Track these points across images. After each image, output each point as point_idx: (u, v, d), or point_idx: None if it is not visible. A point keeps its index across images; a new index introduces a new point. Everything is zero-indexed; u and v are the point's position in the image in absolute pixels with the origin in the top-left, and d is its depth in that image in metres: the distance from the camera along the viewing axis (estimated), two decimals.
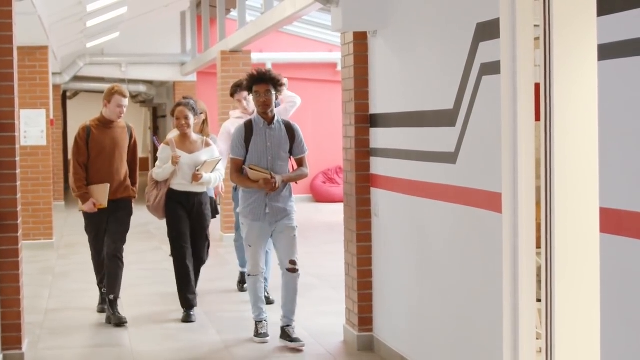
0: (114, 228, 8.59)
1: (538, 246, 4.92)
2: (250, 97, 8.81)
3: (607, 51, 3.74)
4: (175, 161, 8.42)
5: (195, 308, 8.65)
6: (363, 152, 7.24)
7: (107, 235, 8.61)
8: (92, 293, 10.20)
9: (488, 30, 5.12)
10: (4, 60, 7.04)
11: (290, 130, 7.62)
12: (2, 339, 7.00)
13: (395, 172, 6.71)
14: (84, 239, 14.97)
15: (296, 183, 7.74)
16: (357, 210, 7.30)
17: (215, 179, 8.69)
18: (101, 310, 8.92)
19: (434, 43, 6.00)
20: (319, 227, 14.70)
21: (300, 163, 7.69)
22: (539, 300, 5.01)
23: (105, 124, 8.60)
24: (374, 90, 7.19)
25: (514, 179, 4.87)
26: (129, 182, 8.67)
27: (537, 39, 4.84)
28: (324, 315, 8.68)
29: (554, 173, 4.69)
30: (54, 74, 18.48)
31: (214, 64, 17.01)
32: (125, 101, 8.56)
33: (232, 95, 9.51)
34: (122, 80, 22.75)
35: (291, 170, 7.68)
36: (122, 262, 8.62)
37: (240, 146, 7.51)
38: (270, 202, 7.48)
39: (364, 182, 7.25)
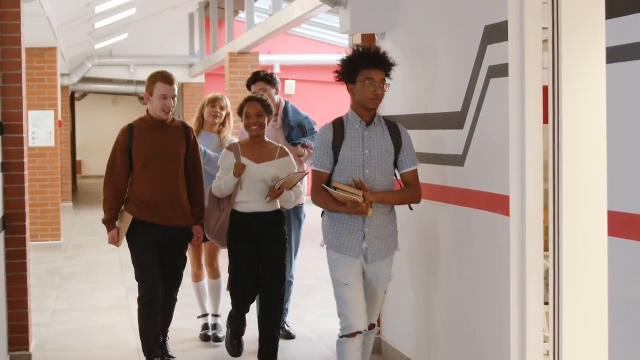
0: (171, 266, 6.58)
1: (546, 249, 4.91)
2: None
3: (615, 54, 3.73)
4: (238, 171, 6.48)
5: None
6: None
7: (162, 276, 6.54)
8: (100, 294, 10.23)
9: (496, 33, 5.11)
10: (13, 62, 7.05)
11: (396, 133, 5.60)
12: (10, 340, 7.01)
13: None
14: (91, 241, 15.16)
15: (410, 208, 5.76)
16: None
17: (297, 197, 6.70)
18: None
19: (442, 45, 5.99)
20: None
21: (410, 181, 5.63)
22: (546, 304, 5.00)
23: (152, 124, 6.54)
24: None
25: (522, 181, 4.86)
26: (187, 204, 6.58)
27: (545, 41, 4.83)
28: (331, 317, 8.64)
29: (562, 176, 4.67)
30: (62, 75, 18.53)
31: (222, 65, 17.06)
32: (173, 89, 6.49)
33: (249, 87, 7.74)
34: (130, 82, 22.83)
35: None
36: (176, 299, 6.78)
37: (327, 154, 5.50)
38: (370, 234, 5.49)
39: None
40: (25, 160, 7.14)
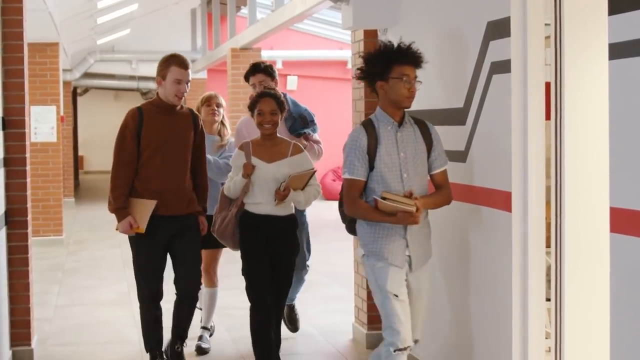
0: (186, 258, 6.26)
1: (548, 245, 4.91)
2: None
3: (618, 50, 3.73)
4: (247, 172, 6.09)
5: None
6: None
7: (176, 269, 6.29)
8: (102, 290, 10.24)
9: (498, 29, 5.11)
10: (15, 57, 7.05)
11: (426, 131, 5.27)
12: (12, 335, 7.02)
13: None
14: (93, 236, 15.17)
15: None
16: None
17: (308, 199, 6.16)
18: None
19: (445, 41, 5.99)
20: (328, 225, 14.72)
21: (441, 181, 5.32)
22: (548, 300, 5.00)
23: (162, 109, 6.22)
24: None
25: (524, 177, 4.86)
26: (193, 193, 6.30)
27: (547, 37, 4.82)
28: (333, 313, 8.67)
29: (564, 172, 4.67)
30: (64, 70, 18.55)
31: (224, 61, 17.04)
32: (187, 74, 6.19)
33: (247, 78, 7.45)
34: (132, 77, 22.82)
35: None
36: (197, 298, 6.50)
37: (362, 161, 5.09)
38: (412, 241, 5.17)
39: None
40: (27, 155, 7.14)
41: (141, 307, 6.36)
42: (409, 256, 5.14)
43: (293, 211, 6.24)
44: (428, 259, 5.31)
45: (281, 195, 6.03)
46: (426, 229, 5.27)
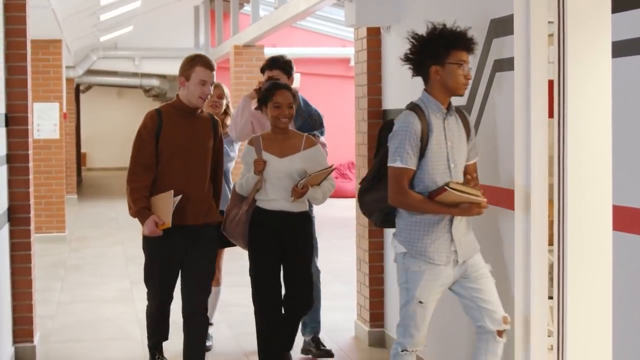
0: (197, 270, 5.84)
1: (550, 243, 4.91)
2: None
3: (621, 48, 3.73)
4: (258, 168, 5.87)
5: None
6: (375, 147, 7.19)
7: (184, 282, 5.89)
8: (104, 287, 10.24)
9: (502, 27, 5.11)
10: (18, 54, 7.05)
11: (465, 120, 4.99)
12: (14, 331, 7.02)
13: None
14: (96, 233, 15.18)
15: None
16: None
17: (325, 194, 5.96)
18: None
19: None
20: (331, 222, 14.71)
21: (473, 172, 4.97)
22: (550, 298, 4.99)
23: (183, 111, 5.83)
24: (386, 85, 7.17)
25: (527, 176, 4.86)
26: (212, 201, 5.93)
27: (551, 35, 4.82)
28: (335, 310, 8.66)
29: (567, 170, 4.67)
30: (67, 67, 18.54)
31: (227, 58, 17.05)
32: (212, 76, 5.82)
33: (263, 71, 7.08)
34: (135, 74, 22.82)
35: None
36: (208, 318, 6.17)
37: (415, 148, 4.75)
38: (457, 234, 4.83)
39: None
40: (30, 152, 7.14)
41: (149, 306, 6.14)
42: (455, 251, 4.82)
43: (307, 208, 6.03)
44: (477, 249, 4.96)
45: (299, 192, 5.80)
46: (467, 220, 4.93)
